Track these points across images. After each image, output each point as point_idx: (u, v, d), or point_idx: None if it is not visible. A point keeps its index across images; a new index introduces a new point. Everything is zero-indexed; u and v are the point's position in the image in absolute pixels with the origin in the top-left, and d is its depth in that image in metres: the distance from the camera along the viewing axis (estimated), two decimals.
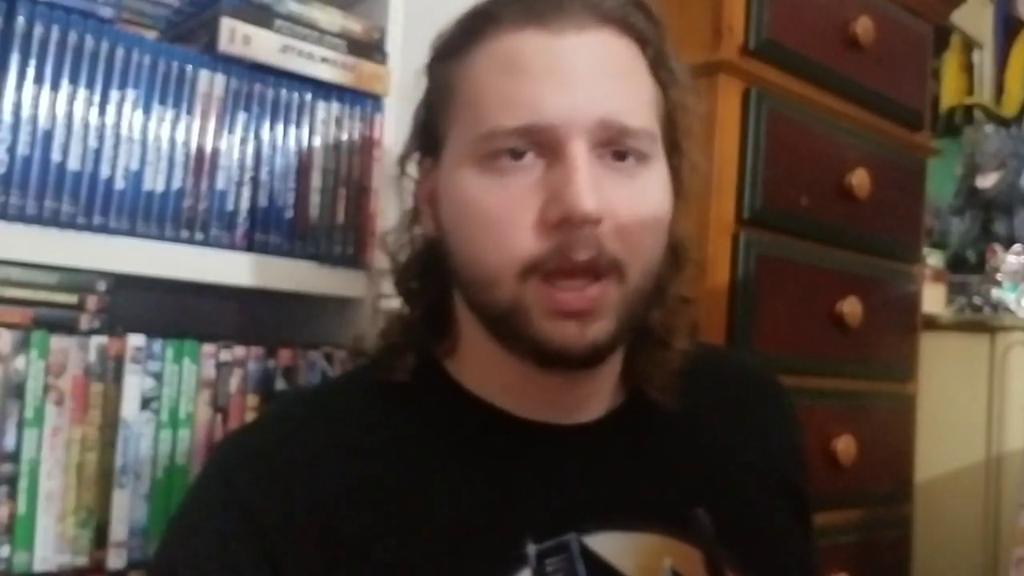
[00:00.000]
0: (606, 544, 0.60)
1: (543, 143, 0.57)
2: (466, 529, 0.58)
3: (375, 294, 0.73)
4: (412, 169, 0.69)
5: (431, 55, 0.66)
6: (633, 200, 0.59)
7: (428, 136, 0.66)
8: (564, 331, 0.57)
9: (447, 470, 0.61)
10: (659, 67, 0.63)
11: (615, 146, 0.59)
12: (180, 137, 0.81)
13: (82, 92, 0.75)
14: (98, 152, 0.76)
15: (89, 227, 0.75)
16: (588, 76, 0.58)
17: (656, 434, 0.67)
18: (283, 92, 0.87)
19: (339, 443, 0.61)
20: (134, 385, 0.76)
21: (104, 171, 0.76)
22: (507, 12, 0.60)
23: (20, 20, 0.72)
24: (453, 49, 0.63)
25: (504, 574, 0.57)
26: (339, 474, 0.59)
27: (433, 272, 0.66)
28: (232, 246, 0.83)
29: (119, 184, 0.77)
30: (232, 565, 0.56)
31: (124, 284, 0.79)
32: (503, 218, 0.58)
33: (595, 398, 0.66)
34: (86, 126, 0.75)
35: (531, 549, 0.58)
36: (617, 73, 0.60)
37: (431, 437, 0.62)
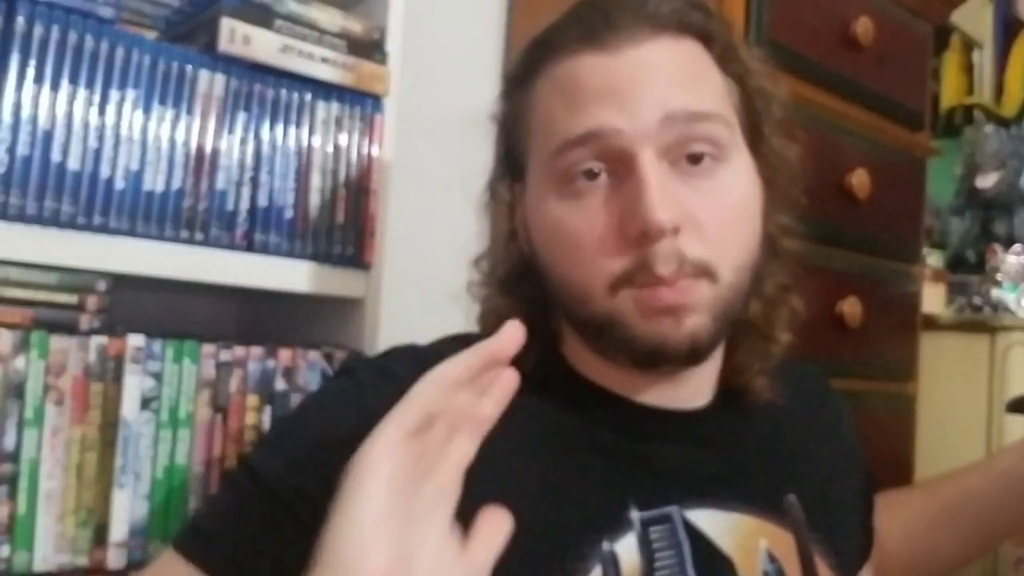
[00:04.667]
0: (706, 520, 0.63)
1: (612, 156, 0.58)
2: (573, 491, 0.60)
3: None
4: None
5: (504, 87, 0.69)
6: (713, 201, 0.59)
7: (512, 164, 0.68)
8: (661, 327, 0.58)
9: (559, 438, 0.62)
10: (728, 60, 0.64)
11: (687, 147, 0.59)
12: (180, 137, 0.80)
13: (82, 92, 0.75)
14: (98, 152, 0.76)
15: (89, 227, 0.75)
16: (647, 82, 0.59)
17: (750, 424, 0.69)
18: (283, 92, 0.87)
19: None
20: (134, 385, 0.76)
21: (104, 171, 0.76)
22: (564, 38, 0.62)
23: (20, 20, 0.72)
24: (519, 80, 0.66)
25: (611, 534, 0.59)
26: None
27: (531, 287, 0.68)
28: (232, 246, 0.83)
29: (119, 184, 0.77)
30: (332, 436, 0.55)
31: (124, 284, 0.79)
32: (585, 238, 0.59)
33: (701, 391, 0.68)
34: (86, 126, 0.75)
35: (635, 515, 0.60)
36: (679, 74, 0.60)
37: (546, 405, 0.63)
